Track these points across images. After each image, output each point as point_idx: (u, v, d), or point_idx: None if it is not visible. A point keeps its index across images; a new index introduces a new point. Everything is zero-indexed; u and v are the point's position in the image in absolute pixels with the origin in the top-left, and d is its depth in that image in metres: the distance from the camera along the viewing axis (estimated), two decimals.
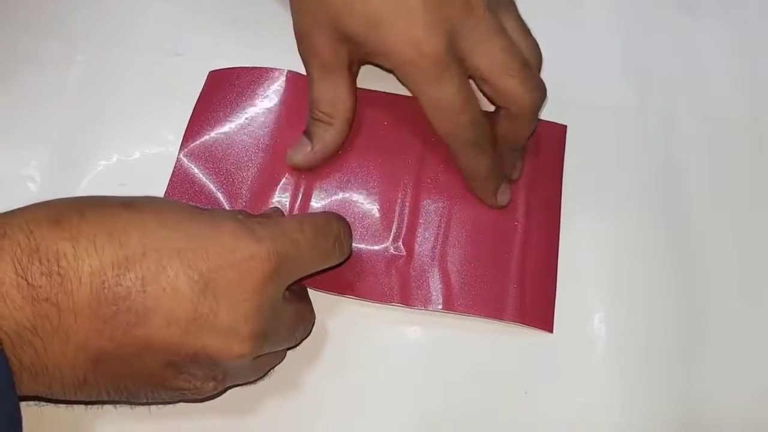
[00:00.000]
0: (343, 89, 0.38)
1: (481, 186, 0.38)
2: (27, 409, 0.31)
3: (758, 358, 0.37)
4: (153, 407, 0.34)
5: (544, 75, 0.38)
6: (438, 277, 0.37)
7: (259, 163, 0.39)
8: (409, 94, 0.37)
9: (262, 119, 0.40)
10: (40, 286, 0.27)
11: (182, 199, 0.38)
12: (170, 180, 0.39)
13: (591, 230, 0.40)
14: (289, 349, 0.35)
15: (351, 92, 0.39)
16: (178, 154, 0.40)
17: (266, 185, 0.39)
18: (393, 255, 0.38)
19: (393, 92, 0.41)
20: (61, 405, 0.34)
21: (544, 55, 0.39)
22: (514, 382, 0.36)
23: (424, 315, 0.37)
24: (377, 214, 0.39)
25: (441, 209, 0.39)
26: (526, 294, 0.37)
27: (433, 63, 0.35)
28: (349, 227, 0.35)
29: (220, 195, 0.39)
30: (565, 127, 0.42)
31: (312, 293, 0.36)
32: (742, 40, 0.45)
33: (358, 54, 0.37)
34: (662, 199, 0.40)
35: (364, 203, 0.39)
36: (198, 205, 0.36)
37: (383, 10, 0.35)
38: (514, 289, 0.37)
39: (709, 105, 0.43)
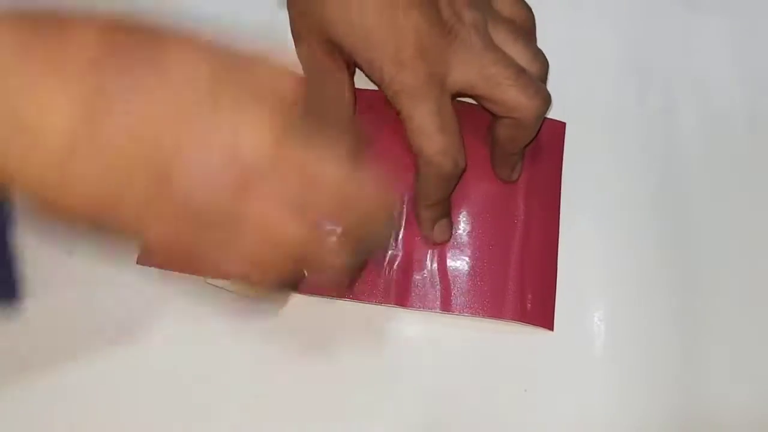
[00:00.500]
0: (341, 89, 0.38)
1: (424, 214, 0.37)
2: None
3: (758, 358, 0.37)
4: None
5: None
6: (437, 277, 0.38)
7: None
8: None
9: None
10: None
11: None
12: None
13: (591, 227, 0.40)
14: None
15: (350, 91, 0.39)
16: None
17: None
18: (391, 256, 0.38)
19: None
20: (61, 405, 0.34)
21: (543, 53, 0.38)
22: (514, 379, 0.36)
23: (423, 314, 0.37)
24: None
25: None
26: (526, 292, 0.37)
27: (413, 87, 0.34)
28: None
29: None
30: (564, 124, 0.42)
31: (310, 298, 0.37)
32: (742, 37, 0.45)
33: (351, 59, 0.37)
34: (662, 196, 0.40)
35: None
36: None
37: (373, 26, 0.34)
38: (514, 287, 0.37)
39: (709, 102, 0.43)
